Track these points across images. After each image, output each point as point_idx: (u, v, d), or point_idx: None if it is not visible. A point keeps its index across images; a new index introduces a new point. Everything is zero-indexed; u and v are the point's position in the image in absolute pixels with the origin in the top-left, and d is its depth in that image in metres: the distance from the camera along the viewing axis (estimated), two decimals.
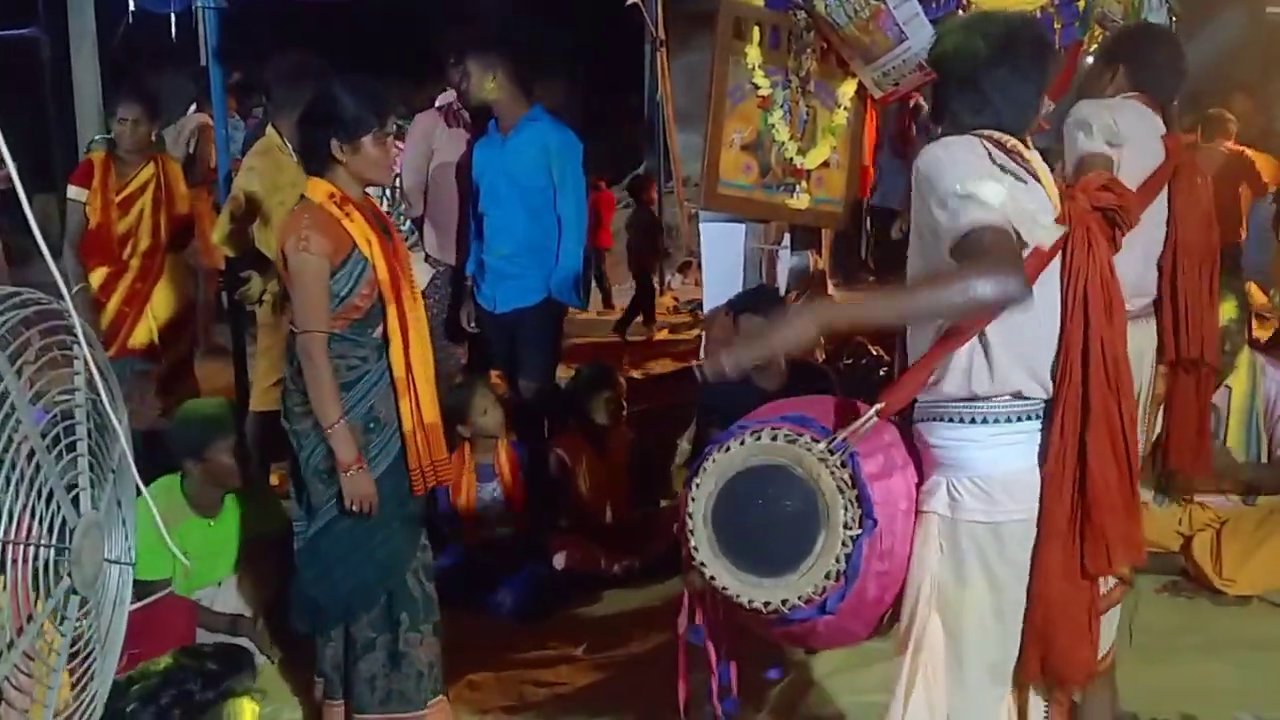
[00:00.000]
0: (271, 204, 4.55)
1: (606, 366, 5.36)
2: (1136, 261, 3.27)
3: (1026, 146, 2.23)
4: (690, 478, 2.24)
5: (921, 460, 2.25)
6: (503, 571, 4.36)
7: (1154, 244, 3.34)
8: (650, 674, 3.64)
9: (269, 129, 4.65)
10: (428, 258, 4.98)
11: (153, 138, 5.08)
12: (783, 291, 5.10)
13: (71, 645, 1.48)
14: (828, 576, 2.11)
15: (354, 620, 3.27)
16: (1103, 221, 2.24)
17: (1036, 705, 2.31)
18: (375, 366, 3.14)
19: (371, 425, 3.16)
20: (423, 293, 5.01)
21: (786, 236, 5.27)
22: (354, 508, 3.10)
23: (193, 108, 7.91)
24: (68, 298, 1.45)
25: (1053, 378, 2.17)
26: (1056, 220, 2.16)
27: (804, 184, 4.98)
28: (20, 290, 1.45)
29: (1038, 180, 2.19)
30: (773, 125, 4.85)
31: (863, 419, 2.13)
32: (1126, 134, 3.22)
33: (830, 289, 6.34)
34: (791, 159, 4.91)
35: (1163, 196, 3.32)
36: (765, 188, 4.93)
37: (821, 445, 2.14)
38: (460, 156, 4.87)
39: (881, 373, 5.19)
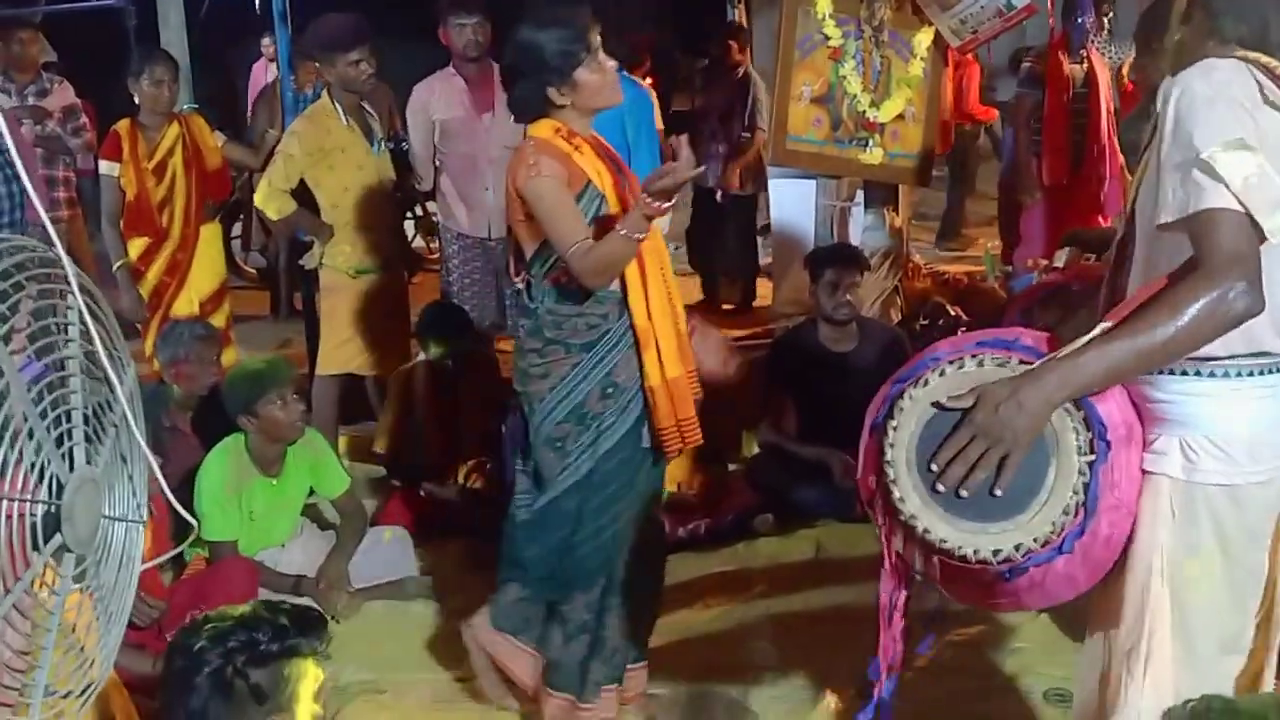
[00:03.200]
0: (320, 169, 4.56)
1: None
2: None
3: None
4: (882, 420, 2.01)
5: (1141, 416, 2.01)
6: None
7: None
8: (715, 638, 3.58)
9: (325, 96, 4.65)
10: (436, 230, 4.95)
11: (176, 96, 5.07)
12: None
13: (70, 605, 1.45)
14: (1065, 511, 1.87)
15: (568, 600, 3.06)
16: None
17: (1269, 676, 2.12)
18: (616, 325, 2.90)
19: (609, 390, 2.91)
20: (447, 265, 5.01)
21: (859, 193, 5.11)
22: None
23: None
24: (57, 244, 1.39)
25: None
26: None
27: (877, 138, 4.83)
28: (11, 237, 1.41)
29: None
30: (844, 77, 4.70)
31: (1089, 336, 1.88)
32: None
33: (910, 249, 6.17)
34: (864, 112, 4.76)
35: None
36: (836, 142, 4.80)
37: (1037, 366, 1.91)
38: (464, 110, 4.80)
39: (959, 334, 5.01)
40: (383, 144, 4.73)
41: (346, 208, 4.60)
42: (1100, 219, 5.69)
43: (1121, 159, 5.73)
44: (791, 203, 5.09)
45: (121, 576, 1.54)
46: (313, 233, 4.65)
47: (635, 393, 2.93)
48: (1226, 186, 1.79)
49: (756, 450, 4.77)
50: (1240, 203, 1.79)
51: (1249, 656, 2.08)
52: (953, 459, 1.89)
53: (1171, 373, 1.95)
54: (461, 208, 4.88)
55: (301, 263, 4.82)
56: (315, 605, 3.75)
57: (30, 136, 5.82)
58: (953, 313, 5.30)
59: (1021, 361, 1.94)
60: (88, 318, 1.44)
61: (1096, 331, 1.89)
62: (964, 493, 1.89)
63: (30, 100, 6.06)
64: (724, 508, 4.47)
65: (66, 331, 1.44)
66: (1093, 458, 1.89)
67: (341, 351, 4.75)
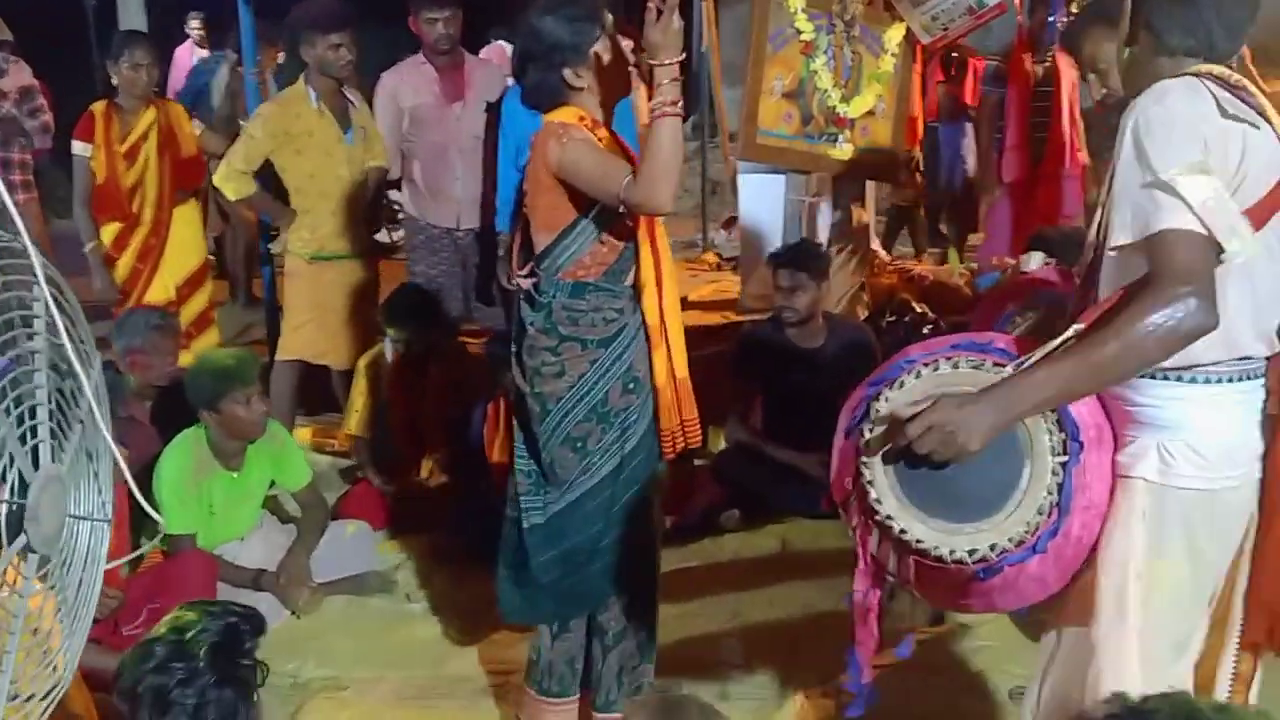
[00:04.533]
0: (286, 153, 4.49)
1: None
2: None
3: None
4: (858, 422, 2.00)
5: (1115, 417, 2.02)
6: None
7: None
8: (681, 634, 3.55)
9: (300, 80, 4.58)
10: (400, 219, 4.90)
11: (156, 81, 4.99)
12: (824, 246, 4.93)
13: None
14: (1039, 511, 1.89)
15: (603, 608, 2.94)
16: None
17: (1223, 674, 2.14)
18: (632, 320, 2.82)
19: (631, 385, 2.82)
20: (413, 255, 4.95)
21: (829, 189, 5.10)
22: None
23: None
24: (23, 234, 1.34)
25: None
26: None
27: (848, 133, 4.83)
28: None
29: (1268, 121, 1.97)
30: (815, 72, 4.69)
31: (1060, 339, 1.90)
32: None
33: (876, 245, 6.18)
34: (835, 107, 4.75)
35: None
36: (807, 137, 4.78)
37: (1009, 368, 1.92)
38: (433, 98, 4.75)
39: (925, 330, 5.03)
40: (358, 131, 4.66)
41: (311, 193, 4.54)
42: (1062, 217, 5.72)
43: (1084, 158, 5.76)
44: (760, 197, 5.07)
45: (86, 576, 1.49)
46: (274, 216, 4.59)
47: (651, 388, 2.86)
48: (1188, 207, 1.82)
49: (723, 446, 4.75)
50: (1202, 223, 1.82)
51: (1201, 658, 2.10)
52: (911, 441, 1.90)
53: (1153, 377, 1.96)
54: (430, 198, 4.83)
55: (269, 247, 4.76)
56: (276, 600, 3.71)
57: None
58: (919, 309, 5.31)
59: (995, 364, 1.96)
60: (54, 310, 1.39)
61: (1054, 344, 1.90)
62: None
63: None
64: (690, 503, 4.44)
65: (32, 324, 1.39)
66: (1066, 458, 1.91)
67: (297, 336, 4.68)
